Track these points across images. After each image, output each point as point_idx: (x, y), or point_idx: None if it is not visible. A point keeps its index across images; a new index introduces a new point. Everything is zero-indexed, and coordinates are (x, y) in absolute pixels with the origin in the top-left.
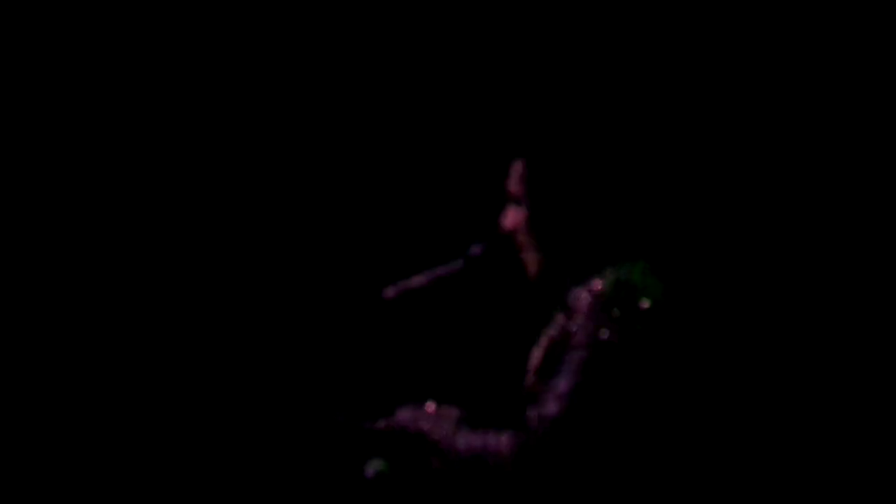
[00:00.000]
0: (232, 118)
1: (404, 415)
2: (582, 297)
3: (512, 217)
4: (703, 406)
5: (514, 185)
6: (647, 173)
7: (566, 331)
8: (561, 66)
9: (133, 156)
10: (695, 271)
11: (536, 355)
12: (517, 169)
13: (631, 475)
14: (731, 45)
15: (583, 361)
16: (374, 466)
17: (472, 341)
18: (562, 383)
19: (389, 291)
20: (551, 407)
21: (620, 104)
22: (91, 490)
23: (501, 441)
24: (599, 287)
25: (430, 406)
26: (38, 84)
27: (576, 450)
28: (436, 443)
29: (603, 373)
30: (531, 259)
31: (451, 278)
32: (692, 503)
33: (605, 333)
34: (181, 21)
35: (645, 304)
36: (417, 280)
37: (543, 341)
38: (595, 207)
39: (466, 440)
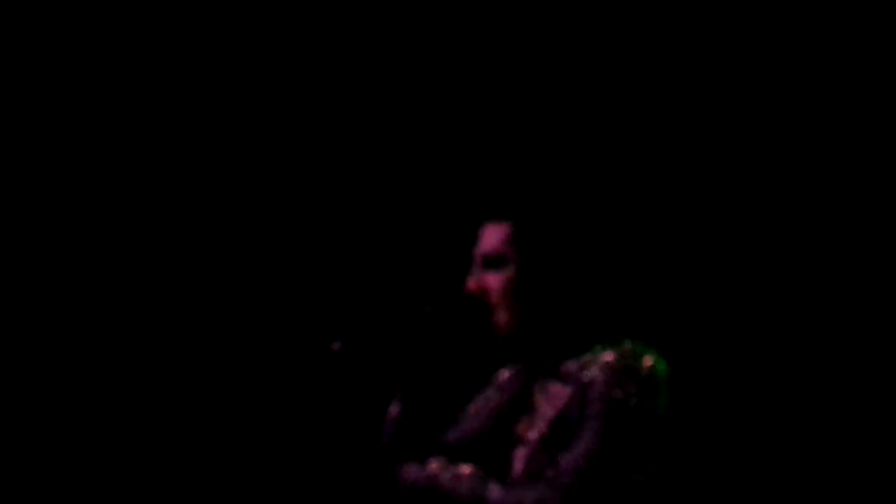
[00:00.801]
0: (223, 122)
1: (418, 472)
2: (594, 367)
3: (484, 278)
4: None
5: (495, 245)
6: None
7: (572, 401)
8: (547, 125)
9: (132, 156)
10: (685, 347)
11: (540, 427)
12: (500, 230)
13: None
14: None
15: (601, 426)
16: None
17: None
18: (585, 442)
19: (336, 344)
20: (576, 462)
21: (606, 167)
22: (91, 490)
23: (541, 495)
24: (611, 358)
25: (438, 462)
26: (38, 84)
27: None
28: (464, 499)
29: (622, 435)
30: (503, 321)
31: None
32: None
33: (620, 398)
34: (180, 21)
35: (653, 374)
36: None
37: (548, 412)
38: (579, 279)
39: (500, 495)
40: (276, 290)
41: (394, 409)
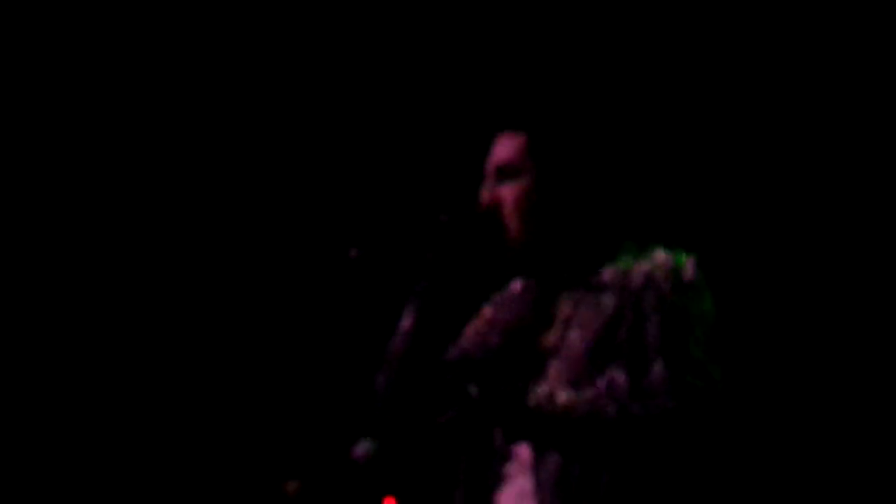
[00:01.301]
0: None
1: (563, 397)
2: (637, 277)
3: (498, 190)
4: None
5: (509, 156)
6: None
7: (619, 311)
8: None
9: (131, 156)
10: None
11: (586, 337)
12: (514, 140)
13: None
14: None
15: (664, 336)
16: (364, 448)
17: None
18: (659, 358)
19: (353, 251)
20: (663, 373)
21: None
22: (90, 490)
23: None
24: (652, 267)
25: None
26: (38, 84)
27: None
28: (606, 418)
29: (689, 343)
30: (517, 233)
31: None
32: None
33: (678, 306)
34: (180, 21)
35: (690, 276)
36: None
37: (594, 324)
38: (593, 189)
39: (641, 409)
40: (293, 199)
41: (406, 321)
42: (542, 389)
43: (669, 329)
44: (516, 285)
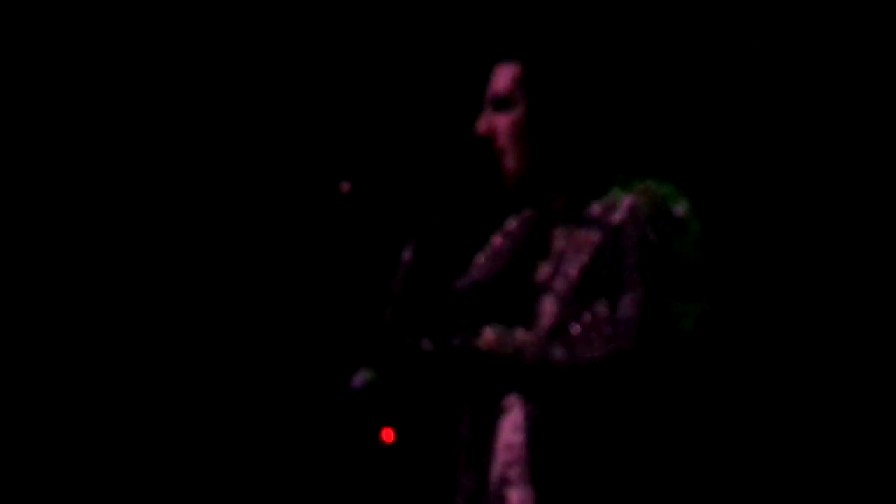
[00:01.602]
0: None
1: (488, 335)
2: (621, 211)
3: (494, 120)
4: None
5: (504, 86)
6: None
7: (602, 247)
8: None
9: (131, 156)
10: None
11: (571, 275)
12: (510, 70)
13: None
14: None
15: (644, 273)
16: (362, 378)
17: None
18: (632, 290)
19: (345, 185)
20: (630, 311)
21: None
22: (89, 489)
23: (594, 350)
24: (637, 200)
25: (493, 329)
26: (37, 84)
27: (654, 354)
28: (531, 358)
29: (666, 280)
30: (513, 165)
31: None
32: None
33: (656, 242)
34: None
35: (679, 212)
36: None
37: (581, 258)
38: (588, 120)
39: (564, 354)
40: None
41: (406, 255)
42: (490, 331)
43: (647, 265)
44: (519, 216)
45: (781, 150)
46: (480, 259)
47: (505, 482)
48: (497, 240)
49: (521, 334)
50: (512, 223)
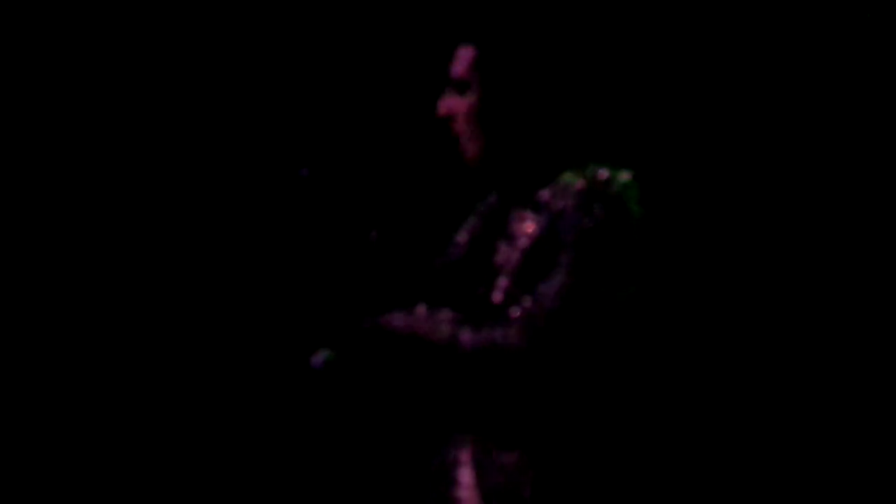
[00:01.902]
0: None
1: (397, 318)
2: (565, 195)
3: (453, 103)
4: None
5: (461, 70)
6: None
7: (543, 229)
8: None
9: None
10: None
11: (515, 257)
12: (467, 53)
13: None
14: None
15: (573, 259)
16: (321, 357)
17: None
18: (557, 277)
19: (304, 171)
20: (547, 301)
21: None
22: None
23: (510, 334)
24: (582, 185)
25: (421, 309)
26: (37, 83)
27: (575, 341)
28: (438, 343)
29: (595, 265)
30: (472, 148)
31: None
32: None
33: (590, 226)
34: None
35: (622, 194)
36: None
37: (522, 242)
38: (543, 105)
39: (471, 337)
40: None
41: (373, 233)
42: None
43: (580, 252)
44: (480, 203)
45: (737, 139)
46: (443, 242)
47: (455, 464)
48: (470, 222)
49: (437, 316)
50: (475, 206)
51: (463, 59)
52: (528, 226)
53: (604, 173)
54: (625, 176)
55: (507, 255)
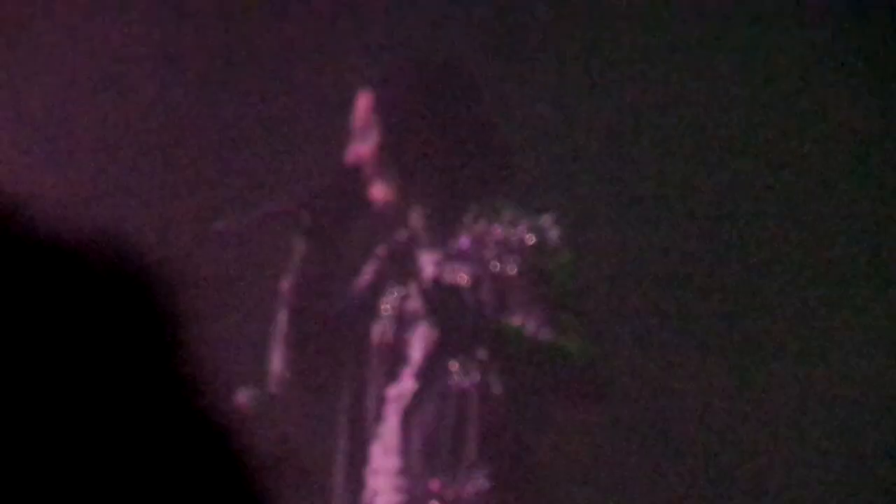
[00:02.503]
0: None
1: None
2: (490, 242)
3: (357, 150)
4: None
5: (361, 116)
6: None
7: (471, 281)
8: None
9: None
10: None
11: (442, 317)
12: (364, 100)
13: None
14: None
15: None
16: (247, 395)
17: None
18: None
19: (219, 226)
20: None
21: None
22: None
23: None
24: (502, 231)
25: None
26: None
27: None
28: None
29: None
30: (376, 193)
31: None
32: None
33: (499, 272)
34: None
35: (540, 242)
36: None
37: (453, 297)
38: (443, 146)
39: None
40: None
41: (284, 285)
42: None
43: (521, 297)
44: (383, 248)
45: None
46: (356, 284)
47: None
48: (369, 268)
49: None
50: (381, 251)
51: (363, 105)
52: (455, 276)
53: (520, 220)
54: (539, 226)
55: (421, 304)
